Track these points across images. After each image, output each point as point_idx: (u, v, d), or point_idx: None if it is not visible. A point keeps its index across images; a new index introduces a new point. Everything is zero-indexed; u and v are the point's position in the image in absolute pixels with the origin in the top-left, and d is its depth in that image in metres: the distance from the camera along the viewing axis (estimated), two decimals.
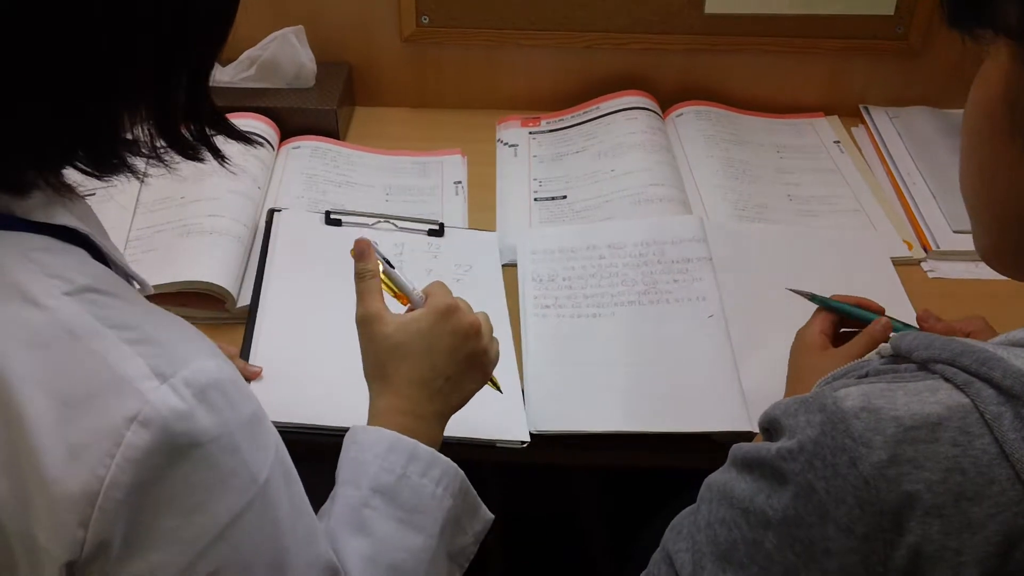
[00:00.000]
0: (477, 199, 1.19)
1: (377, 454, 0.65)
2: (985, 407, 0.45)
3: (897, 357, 0.52)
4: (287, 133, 1.25)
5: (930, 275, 1.09)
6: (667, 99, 1.34)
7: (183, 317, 0.54)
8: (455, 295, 0.74)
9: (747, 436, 0.84)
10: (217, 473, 0.49)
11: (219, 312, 0.96)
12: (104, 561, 0.47)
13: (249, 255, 1.02)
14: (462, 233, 1.10)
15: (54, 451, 0.45)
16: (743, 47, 1.31)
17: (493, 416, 0.84)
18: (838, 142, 1.31)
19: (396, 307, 0.74)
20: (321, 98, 1.26)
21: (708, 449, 0.86)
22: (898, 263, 1.08)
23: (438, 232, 1.08)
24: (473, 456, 0.74)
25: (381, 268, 0.74)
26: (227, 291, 0.95)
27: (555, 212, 1.16)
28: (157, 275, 0.93)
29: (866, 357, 0.56)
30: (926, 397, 0.47)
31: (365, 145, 1.27)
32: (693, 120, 1.31)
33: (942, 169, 1.22)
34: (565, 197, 1.19)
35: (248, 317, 0.93)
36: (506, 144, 1.29)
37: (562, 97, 1.35)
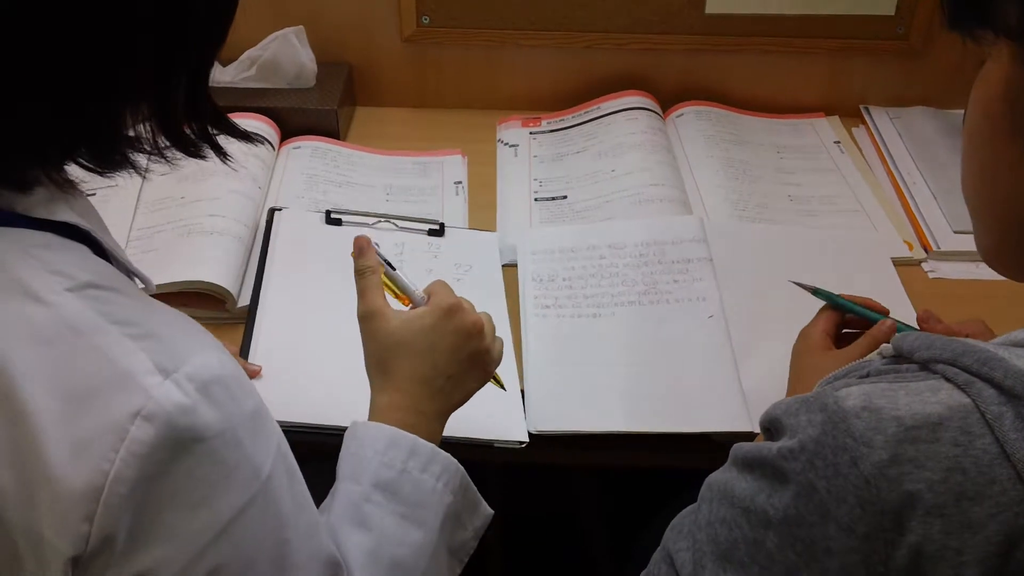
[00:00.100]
0: (477, 199, 1.19)
1: (378, 450, 0.66)
2: (986, 407, 0.46)
3: (898, 357, 0.53)
4: (287, 133, 1.25)
5: (931, 275, 1.09)
6: (667, 99, 1.34)
7: None
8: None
9: (747, 436, 0.84)
10: (221, 468, 0.49)
11: (219, 312, 0.96)
12: (109, 556, 0.47)
13: (249, 255, 1.02)
14: (462, 233, 1.10)
15: (58, 447, 0.45)
16: (743, 47, 1.31)
17: (492, 416, 0.84)
18: (838, 142, 1.31)
19: (398, 308, 0.74)
20: (321, 98, 1.26)
21: (708, 449, 0.86)
22: (898, 263, 1.08)
23: (438, 232, 1.08)
24: (473, 456, 0.74)
25: (383, 270, 0.74)
26: (227, 291, 0.95)
27: (555, 212, 1.16)
28: (158, 275, 0.92)
29: (867, 357, 0.57)
30: (927, 397, 0.47)
31: (365, 145, 1.27)
32: (693, 120, 1.31)
33: (943, 169, 1.22)
34: (565, 197, 1.19)
35: (248, 317, 0.93)
36: (506, 144, 1.29)
37: (562, 97, 1.35)
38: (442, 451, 0.68)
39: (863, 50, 1.31)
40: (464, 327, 0.72)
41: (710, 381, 0.90)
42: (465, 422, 0.78)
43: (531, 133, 1.32)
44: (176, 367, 0.48)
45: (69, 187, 0.53)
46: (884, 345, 0.55)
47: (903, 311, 0.98)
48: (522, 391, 0.89)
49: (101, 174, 0.53)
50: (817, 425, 0.49)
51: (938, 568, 0.46)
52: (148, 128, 0.54)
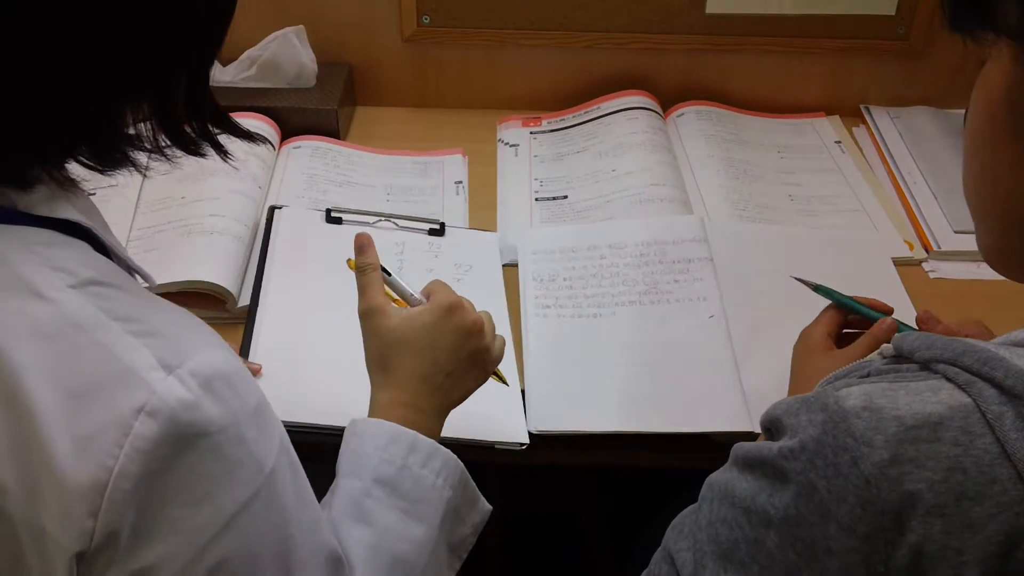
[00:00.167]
0: (478, 199, 1.19)
1: (378, 446, 0.66)
2: (987, 407, 0.46)
3: (899, 357, 0.53)
4: (288, 133, 1.25)
5: (931, 275, 1.08)
6: (668, 99, 1.34)
7: None
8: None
9: (747, 436, 0.84)
10: (224, 463, 0.49)
11: (219, 312, 0.96)
12: (113, 551, 0.47)
13: (250, 255, 1.02)
14: (463, 233, 1.10)
15: (63, 443, 0.45)
16: (744, 47, 1.31)
17: (493, 418, 0.84)
18: (839, 142, 1.31)
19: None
20: (322, 98, 1.26)
21: (708, 449, 0.86)
22: (899, 263, 1.08)
23: (439, 232, 1.07)
24: (474, 456, 0.74)
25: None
26: (228, 291, 0.95)
27: (556, 212, 1.16)
28: (158, 275, 0.92)
29: (868, 357, 0.57)
30: (928, 397, 0.47)
31: (366, 145, 1.27)
32: (694, 120, 1.31)
33: (943, 169, 1.22)
34: (566, 197, 1.19)
35: (248, 317, 0.92)
36: (507, 144, 1.29)
37: (563, 97, 1.35)
38: (442, 447, 0.69)
39: (864, 50, 1.31)
40: (464, 325, 0.72)
41: (710, 381, 0.90)
42: (466, 424, 0.78)
43: (531, 133, 1.31)
44: (179, 363, 0.48)
45: (70, 185, 0.53)
46: (885, 345, 0.55)
47: (904, 311, 0.98)
48: (522, 391, 0.89)
49: (102, 172, 0.53)
50: (818, 425, 0.49)
51: (939, 568, 0.46)
52: (149, 126, 0.54)
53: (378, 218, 1.07)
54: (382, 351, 0.71)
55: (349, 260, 0.77)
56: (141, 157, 0.55)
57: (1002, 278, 0.59)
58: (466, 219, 1.15)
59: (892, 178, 1.24)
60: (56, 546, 0.46)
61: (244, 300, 0.96)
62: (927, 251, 1.11)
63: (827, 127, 1.34)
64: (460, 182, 1.21)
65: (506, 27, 1.30)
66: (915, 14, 1.28)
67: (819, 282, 0.86)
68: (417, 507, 0.65)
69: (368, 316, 0.72)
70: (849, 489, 0.47)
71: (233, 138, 0.61)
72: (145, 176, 0.56)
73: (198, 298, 0.95)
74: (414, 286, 0.77)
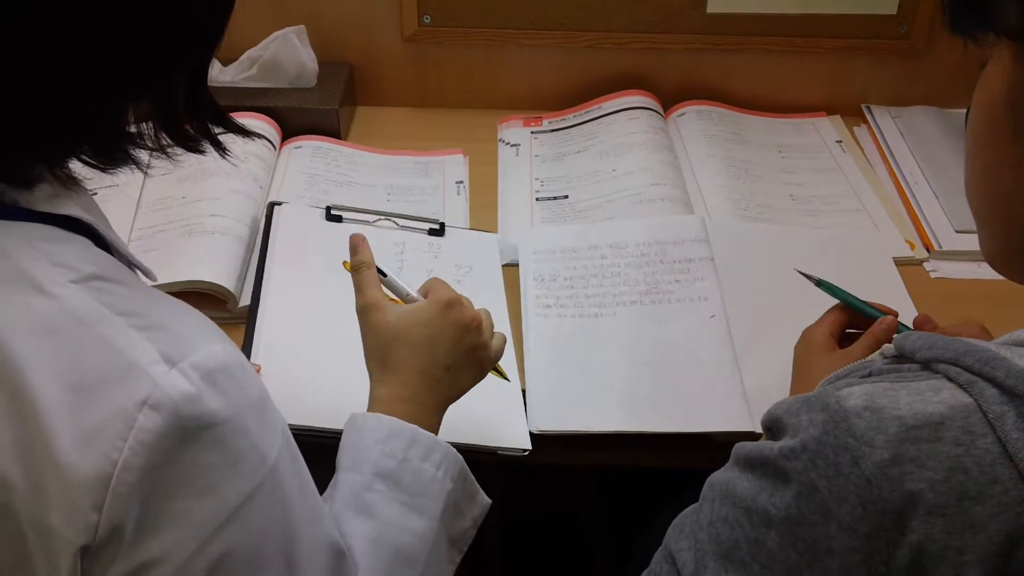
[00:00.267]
0: (479, 199, 1.19)
1: (378, 440, 0.66)
2: (988, 407, 0.45)
3: (900, 357, 0.52)
4: (288, 133, 1.25)
5: (932, 275, 1.08)
6: (669, 99, 1.34)
7: None
8: None
9: (748, 436, 0.84)
10: (228, 455, 0.49)
11: (220, 312, 0.96)
12: (118, 545, 0.47)
13: (251, 255, 1.02)
14: (462, 234, 1.10)
15: (66, 437, 0.45)
16: (745, 47, 1.31)
17: (495, 423, 0.84)
18: (840, 142, 1.31)
19: None
20: (323, 98, 1.26)
21: (709, 449, 0.86)
22: (900, 263, 1.08)
23: (438, 232, 1.07)
24: (474, 457, 0.74)
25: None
26: (229, 291, 0.95)
27: (557, 212, 1.16)
28: (159, 275, 0.92)
29: (869, 357, 0.57)
30: (929, 397, 0.47)
31: (367, 145, 1.27)
32: (695, 120, 1.31)
33: (944, 169, 1.22)
34: (567, 197, 1.19)
35: (249, 317, 0.92)
36: (508, 144, 1.29)
37: (564, 97, 1.35)
38: (441, 440, 0.69)
39: (865, 49, 1.31)
40: (463, 321, 0.73)
41: (711, 381, 0.90)
42: (469, 428, 0.78)
43: (532, 133, 1.31)
44: (182, 356, 0.48)
45: (72, 183, 0.53)
46: (886, 345, 0.55)
47: (905, 311, 0.97)
48: (523, 390, 0.89)
49: (103, 170, 0.54)
50: (819, 425, 0.49)
51: (940, 568, 0.45)
52: (149, 125, 0.54)
53: (378, 217, 1.07)
54: (380, 346, 0.72)
55: (345, 262, 0.77)
56: (142, 155, 0.55)
57: (1003, 278, 0.59)
58: (467, 219, 1.15)
59: (893, 178, 1.24)
60: (61, 540, 0.46)
61: (245, 300, 0.96)
62: (928, 251, 1.11)
63: (828, 127, 1.34)
64: (461, 182, 1.21)
65: (507, 27, 1.30)
66: (916, 13, 1.28)
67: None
68: (418, 500, 0.66)
69: (365, 312, 0.73)
70: (850, 489, 0.46)
71: (234, 137, 0.61)
72: (146, 174, 0.56)
73: (199, 298, 0.95)
74: (414, 286, 0.77)
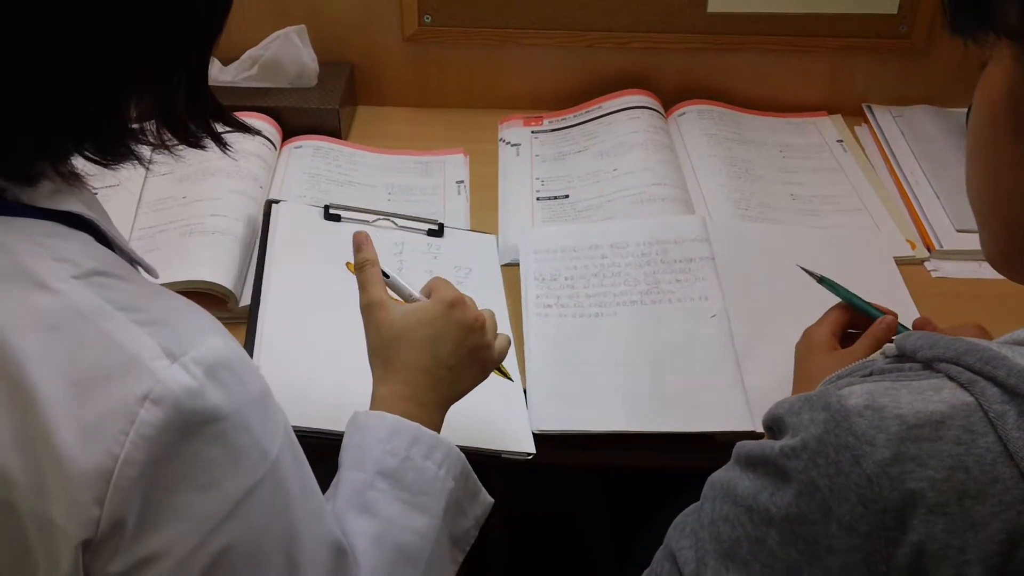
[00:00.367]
0: (479, 198, 1.19)
1: (380, 438, 0.66)
2: (989, 405, 0.45)
3: (902, 357, 0.52)
4: (289, 133, 1.25)
5: (933, 275, 1.08)
6: (669, 98, 1.34)
7: None
8: None
9: (749, 436, 0.84)
10: (229, 450, 0.49)
11: (221, 312, 0.96)
12: (119, 539, 0.47)
13: (251, 255, 1.02)
14: (461, 235, 1.10)
15: (68, 431, 0.46)
16: (745, 46, 1.31)
17: (499, 426, 0.84)
18: (841, 141, 1.31)
19: None
20: (323, 97, 1.26)
21: (710, 449, 0.86)
22: (901, 262, 1.08)
23: (437, 232, 1.07)
24: (477, 458, 0.74)
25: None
26: (229, 291, 0.95)
27: (557, 211, 1.16)
28: (159, 275, 0.92)
29: (871, 357, 0.56)
30: (930, 396, 0.47)
31: (367, 144, 1.27)
32: (695, 119, 1.31)
33: (945, 168, 1.22)
34: (567, 196, 1.19)
35: (249, 317, 0.92)
36: (508, 143, 1.29)
37: (564, 96, 1.35)
38: (444, 439, 0.69)
39: (865, 49, 1.31)
40: (466, 321, 0.73)
41: (712, 381, 0.90)
42: (473, 432, 0.78)
43: (533, 132, 1.31)
44: (183, 351, 0.48)
45: (74, 180, 0.54)
46: (887, 345, 0.55)
47: (906, 310, 0.98)
48: (524, 390, 0.89)
49: (106, 166, 0.54)
50: (820, 423, 0.49)
51: (940, 567, 0.45)
52: (151, 121, 0.55)
53: (376, 217, 1.07)
54: (383, 344, 0.72)
55: (348, 264, 0.77)
56: (144, 151, 0.55)
57: (1004, 278, 0.59)
58: (467, 219, 1.15)
59: (894, 177, 1.24)
60: (62, 535, 0.46)
61: (245, 300, 0.96)
62: (929, 250, 1.11)
63: (829, 126, 1.34)
64: (461, 182, 1.21)
65: (507, 26, 1.30)
66: (917, 13, 1.28)
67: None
68: (420, 498, 0.66)
69: (369, 310, 0.73)
70: (851, 488, 0.46)
71: (235, 136, 0.61)
72: (148, 169, 0.56)
73: (199, 298, 0.94)
74: (414, 288, 0.77)
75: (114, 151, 0.53)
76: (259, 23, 1.26)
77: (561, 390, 0.90)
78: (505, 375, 0.81)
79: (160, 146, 0.56)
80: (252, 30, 1.26)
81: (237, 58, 1.27)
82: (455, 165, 1.24)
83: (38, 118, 0.49)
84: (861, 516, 0.46)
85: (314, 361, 0.88)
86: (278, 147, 1.22)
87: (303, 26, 1.27)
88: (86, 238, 0.53)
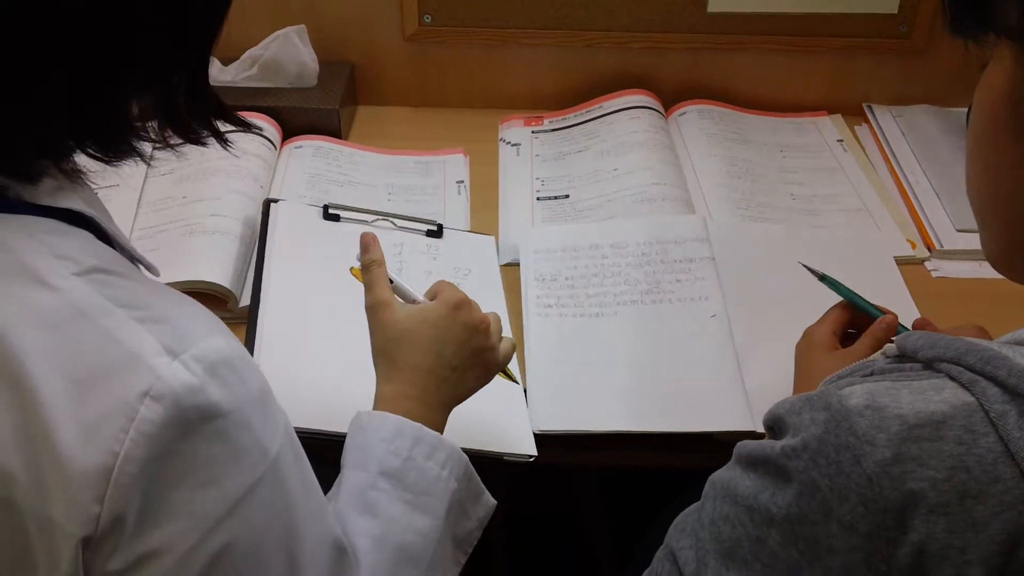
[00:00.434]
0: (479, 198, 1.19)
1: (383, 438, 0.66)
2: (990, 405, 0.45)
3: (902, 356, 0.52)
4: (289, 133, 1.25)
5: (934, 274, 1.08)
6: (670, 98, 1.34)
7: None
8: None
9: (750, 435, 0.84)
10: (229, 447, 0.49)
11: (221, 312, 0.96)
12: (119, 536, 0.47)
13: (251, 255, 1.02)
14: (460, 235, 1.10)
15: (68, 429, 0.46)
16: (746, 46, 1.31)
17: (501, 428, 0.84)
18: (841, 141, 1.31)
19: None
20: (323, 97, 1.26)
21: (711, 449, 0.86)
22: (901, 262, 1.08)
23: (436, 233, 1.07)
24: (479, 460, 0.74)
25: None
26: (229, 291, 0.95)
27: (557, 211, 1.16)
28: (160, 273, 0.92)
29: (872, 357, 0.56)
30: (931, 396, 0.47)
31: (367, 144, 1.27)
32: (696, 119, 1.31)
33: (946, 168, 1.22)
34: (568, 196, 1.19)
35: (250, 317, 0.92)
36: (508, 143, 1.29)
37: (564, 96, 1.35)
38: (446, 440, 0.69)
39: (866, 48, 1.31)
40: (471, 323, 0.73)
41: (713, 381, 0.90)
42: (475, 434, 0.78)
43: (533, 132, 1.31)
44: (184, 348, 0.48)
45: (75, 177, 0.54)
46: (888, 344, 0.55)
47: (906, 310, 0.98)
48: (524, 391, 0.89)
49: (108, 163, 0.54)
50: (820, 423, 0.49)
51: (941, 567, 0.45)
52: (152, 119, 0.55)
53: (376, 217, 1.07)
54: (388, 344, 0.72)
55: (352, 268, 0.77)
56: (145, 147, 0.55)
57: (1005, 278, 0.59)
58: (467, 218, 1.15)
59: (894, 177, 1.24)
60: (63, 533, 0.46)
61: (245, 300, 0.96)
62: (929, 250, 1.11)
63: (829, 126, 1.34)
64: (462, 181, 1.21)
65: (507, 26, 1.30)
66: (917, 12, 1.28)
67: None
68: (422, 499, 0.66)
69: (374, 310, 0.73)
70: (851, 487, 0.46)
71: (235, 133, 0.61)
72: (150, 166, 0.57)
73: (199, 298, 0.92)
74: (414, 288, 0.77)
75: (116, 148, 0.53)
76: (259, 23, 1.26)
77: (561, 390, 0.90)
78: (510, 377, 0.81)
79: (162, 143, 0.56)
80: (252, 30, 1.26)
81: (237, 58, 1.27)
82: (455, 165, 1.24)
83: (39, 117, 0.49)
84: (862, 516, 0.46)
85: (314, 362, 0.88)
86: (278, 147, 1.22)
87: (303, 26, 1.27)
88: (87, 236, 0.53)
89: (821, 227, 1.14)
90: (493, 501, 0.72)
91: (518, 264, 1.05)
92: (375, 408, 0.70)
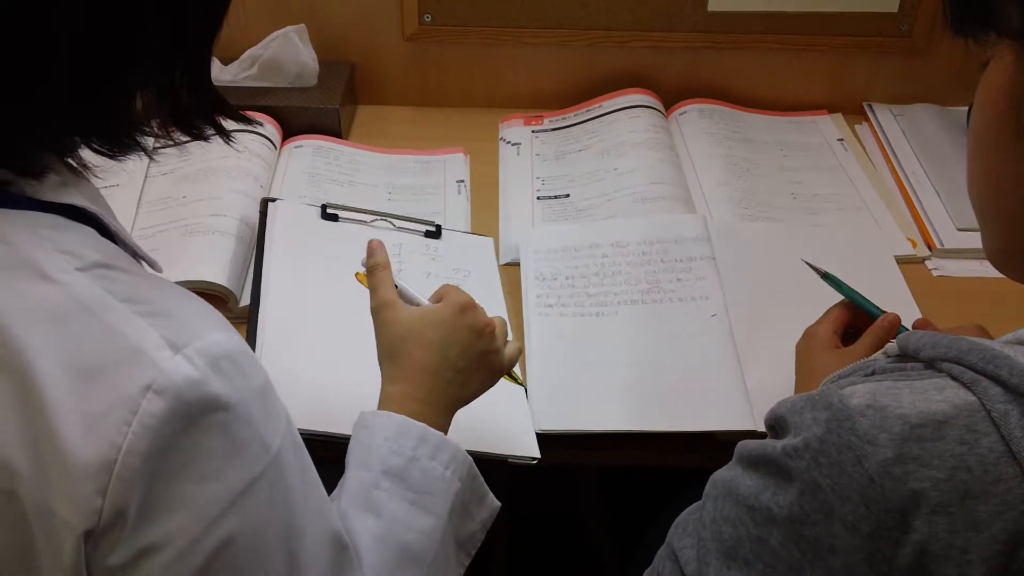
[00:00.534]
0: (480, 198, 1.19)
1: (387, 437, 0.66)
2: (992, 405, 0.45)
3: (904, 356, 0.52)
4: (289, 132, 1.25)
5: (934, 273, 1.08)
6: (670, 97, 1.34)
7: None
8: None
9: (750, 435, 0.84)
10: (231, 441, 0.50)
11: (221, 312, 0.95)
12: (121, 529, 0.47)
13: (251, 255, 1.02)
14: (459, 236, 1.09)
15: (71, 422, 0.46)
16: (746, 45, 1.31)
17: (505, 431, 0.84)
18: (842, 140, 1.31)
19: None
20: (323, 97, 1.26)
21: (711, 448, 0.86)
22: (902, 261, 1.08)
23: (435, 234, 1.07)
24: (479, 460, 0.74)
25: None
26: (230, 291, 0.95)
27: (558, 211, 1.16)
28: (162, 269, 0.92)
29: (873, 356, 0.56)
30: (932, 395, 0.47)
31: (368, 144, 1.27)
32: (696, 118, 1.31)
33: (946, 167, 1.21)
34: (568, 196, 1.19)
35: (250, 317, 0.92)
36: (509, 142, 1.29)
37: (565, 95, 1.35)
38: (451, 440, 0.69)
39: (866, 47, 1.31)
40: (476, 325, 0.73)
41: (713, 380, 0.90)
42: (479, 436, 0.79)
43: (533, 131, 1.31)
44: (186, 342, 0.48)
45: (79, 173, 0.54)
46: (890, 344, 0.55)
47: (907, 309, 0.98)
48: (526, 391, 0.89)
49: (113, 157, 0.54)
50: (822, 423, 0.49)
51: (943, 567, 0.45)
52: (156, 113, 0.55)
53: (374, 217, 1.07)
54: (393, 344, 0.72)
55: (358, 274, 0.77)
56: (149, 142, 0.56)
57: (1006, 276, 0.59)
58: (468, 218, 1.15)
59: (895, 176, 1.24)
60: (64, 526, 0.46)
61: (246, 300, 0.96)
62: (930, 249, 1.11)
63: (830, 125, 1.34)
64: (462, 181, 1.21)
65: (508, 25, 1.29)
66: (917, 11, 1.28)
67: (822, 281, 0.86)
68: (425, 498, 0.66)
69: (380, 311, 0.73)
70: (853, 487, 0.46)
71: (237, 131, 0.61)
72: (153, 160, 0.57)
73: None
74: (414, 289, 0.77)
75: (120, 143, 0.54)
76: (259, 22, 1.26)
77: (562, 390, 0.90)
78: (516, 380, 0.81)
79: (165, 137, 0.57)
80: (252, 29, 1.26)
81: (237, 57, 1.27)
82: (455, 164, 1.24)
83: (44, 113, 0.49)
84: (863, 516, 0.46)
85: (314, 363, 0.88)
86: (278, 147, 1.22)
87: (303, 25, 1.27)
88: (89, 231, 0.53)
89: (821, 226, 1.14)
90: (497, 503, 0.72)
91: (518, 263, 1.05)
92: (380, 408, 0.70)
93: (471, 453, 0.70)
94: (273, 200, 1.04)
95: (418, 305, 0.76)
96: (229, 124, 0.61)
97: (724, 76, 1.35)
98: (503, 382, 0.78)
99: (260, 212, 1.02)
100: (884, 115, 1.33)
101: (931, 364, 0.50)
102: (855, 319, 0.83)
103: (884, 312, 0.81)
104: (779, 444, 0.51)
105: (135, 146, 0.54)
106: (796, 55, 1.32)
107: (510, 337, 0.80)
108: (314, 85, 1.27)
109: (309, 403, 0.82)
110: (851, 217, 1.16)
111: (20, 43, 0.46)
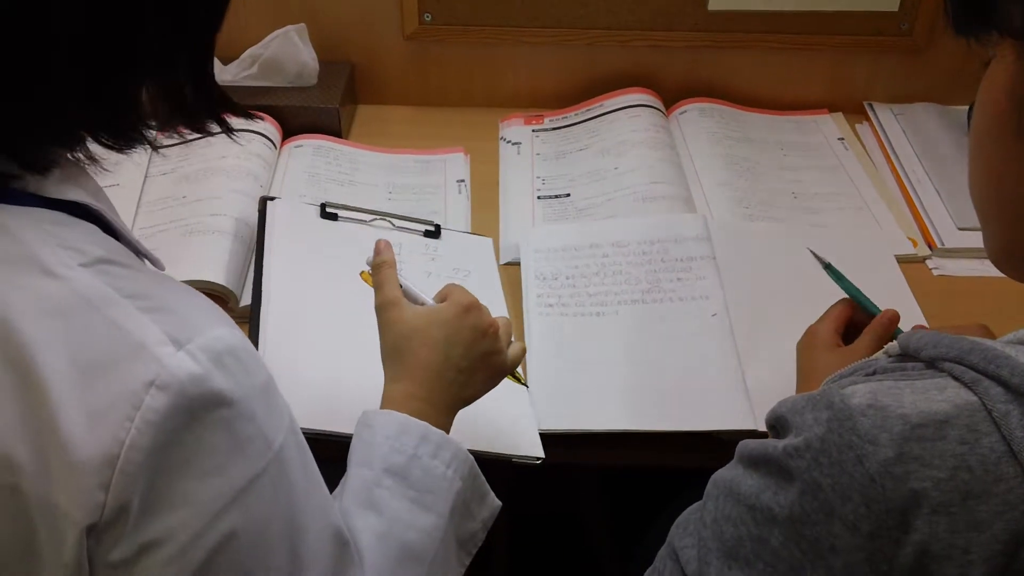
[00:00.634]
0: (480, 197, 1.18)
1: (388, 435, 0.67)
2: (993, 405, 0.45)
3: (905, 356, 0.52)
4: (289, 132, 1.25)
5: (935, 273, 1.08)
6: (670, 96, 1.34)
7: None
8: None
9: (751, 434, 0.84)
10: (233, 437, 0.50)
11: None
12: (123, 524, 0.47)
13: (251, 254, 1.02)
14: (458, 236, 1.09)
15: (74, 417, 0.46)
16: (747, 44, 1.31)
17: (509, 431, 0.84)
18: (842, 139, 1.31)
19: None
20: (323, 96, 1.26)
21: (712, 448, 0.86)
22: (903, 261, 1.08)
23: (434, 234, 1.07)
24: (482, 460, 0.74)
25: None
26: (230, 290, 0.95)
27: (558, 210, 1.16)
28: (164, 267, 0.92)
29: (874, 356, 0.56)
30: (933, 395, 0.47)
31: (368, 143, 1.27)
32: (697, 118, 1.31)
33: (947, 166, 1.21)
34: (568, 195, 1.19)
35: (251, 317, 0.92)
36: (509, 142, 1.29)
37: (565, 95, 1.35)
38: (452, 439, 0.69)
39: (867, 46, 1.31)
40: (480, 326, 0.73)
41: (714, 380, 0.90)
42: (483, 436, 0.79)
43: (534, 131, 1.31)
44: (189, 338, 0.48)
45: (84, 169, 0.54)
46: (891, 344, 0.55)
47: (907, 309, 0.97)
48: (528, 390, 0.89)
49: (119, 151, 0.55)
50: (823, 423, 0.48)
51: (944, 567, 0.45)
52: (159, 107, 0.55)
53: (373, 216, 1.07)
54: (397, 342, 0.72)
55: (362, 272, 0.77)
56: (153, 135, 0.56)
57: (1007, 276, 0.59)
58: (468, 218, 1.15)
59: (895, 175, 1.24)
60: (67, 521, 0.46)
61: (247, 300, 0.96)
62: (931, 248, 1.11)
63: (830, 124, 1.34)
64: (462, 180, 1.21)
65: (508, 24, 1.29)
66: (918, 10, 1.28)
67: (823, 278, 0.86)
68: (426, 497, 0.66)
69: (384, 309, 0.73)
70: (854, 487, 0.46)
71: (238, 128, 0.61)
72: (157, 152, 0.57)
73: None
74: (417, 289, 0.77)
75: (127, 137, 0.54)
76: (259, 22, 1.26)
77: (562, 389, 0.90)
78: (519, 381, 0.81)
79: (168, 130, 0.57)
80: (252, 29, 1.25)
81: (237, 57, 1.27)
82: (456, 164, 1.24)
83: (47, 112, 0.50)
84: (864, 516, 0.46)
85: (316, 363, 0.88)
86: (278, 146, 1.22)
87: (303, 25, 1.27)
88: (92, 228, 0.53)
89: (822, 226, 1.14)
90: (498, 503, 0.73)
91: (519, 263, 1.05)
92: (382, 407, 0.70)
93: (476, 453, 0.71)
94: (271, 199, 1.04)
95: (422, 304, 0.76)
96: (232, 121, 0.61)
97: (724, 75, 1.35)
98: (507, 382, 0.78)
99: (259, 211, 1.02)
100: (885, 114, 1.33)
101: (932, 364, 0.50)
102: (856, 318, 0.83)
103: (881, 310, 0.81)
104: (780, 444, 0.51)
105: (141, 140, 0.55)
106: (797, 54, 1.32)
107: (514, 338, 0.80)
108: (314, 85, 1.27)
109: (311, 402, 0.82)
110: (852, 216, 1.16)
111: (20, 43, 0.46)
